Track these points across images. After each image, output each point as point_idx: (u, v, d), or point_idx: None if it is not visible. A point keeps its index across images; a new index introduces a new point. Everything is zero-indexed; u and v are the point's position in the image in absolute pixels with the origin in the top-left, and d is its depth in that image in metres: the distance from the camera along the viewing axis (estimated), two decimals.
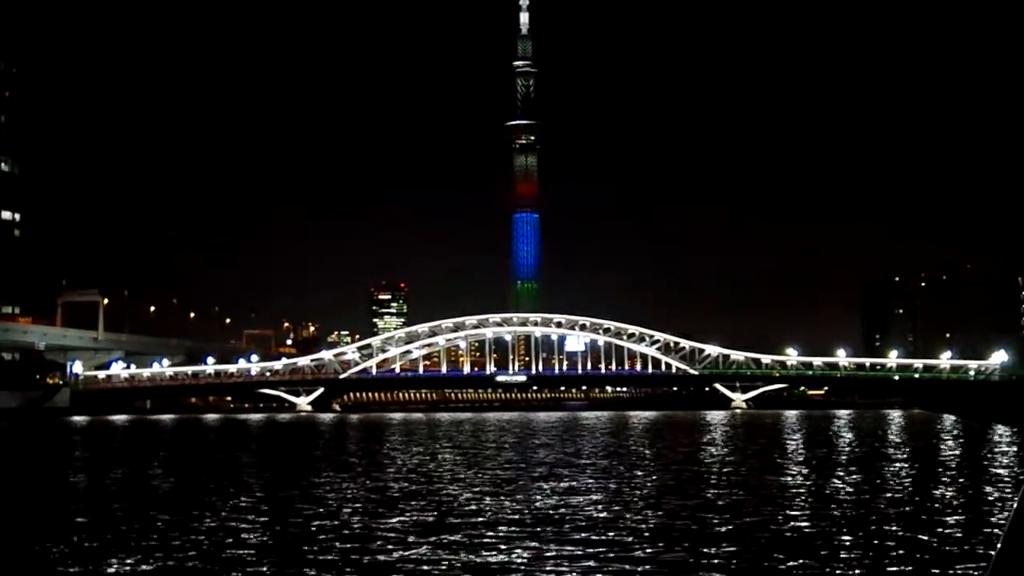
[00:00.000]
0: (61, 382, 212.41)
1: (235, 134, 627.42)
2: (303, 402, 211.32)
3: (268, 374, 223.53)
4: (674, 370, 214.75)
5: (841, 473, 59.83)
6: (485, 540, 33.29)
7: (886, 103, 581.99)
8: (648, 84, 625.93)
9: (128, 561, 30.17)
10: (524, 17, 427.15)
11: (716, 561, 29.60)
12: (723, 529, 35.93)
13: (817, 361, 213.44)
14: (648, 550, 31.26)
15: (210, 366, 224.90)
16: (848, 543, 32.77)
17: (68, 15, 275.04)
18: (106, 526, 37.73)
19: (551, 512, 40.36)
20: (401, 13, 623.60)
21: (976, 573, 27.31)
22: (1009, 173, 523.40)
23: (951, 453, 78.47)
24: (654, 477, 56.71)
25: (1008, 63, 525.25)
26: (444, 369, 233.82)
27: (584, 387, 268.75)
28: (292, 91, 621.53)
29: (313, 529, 36.65)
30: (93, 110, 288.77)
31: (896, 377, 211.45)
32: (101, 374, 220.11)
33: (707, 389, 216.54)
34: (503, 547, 31.99)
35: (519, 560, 29.95)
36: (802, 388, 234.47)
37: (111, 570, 28.88)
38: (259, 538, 34.65)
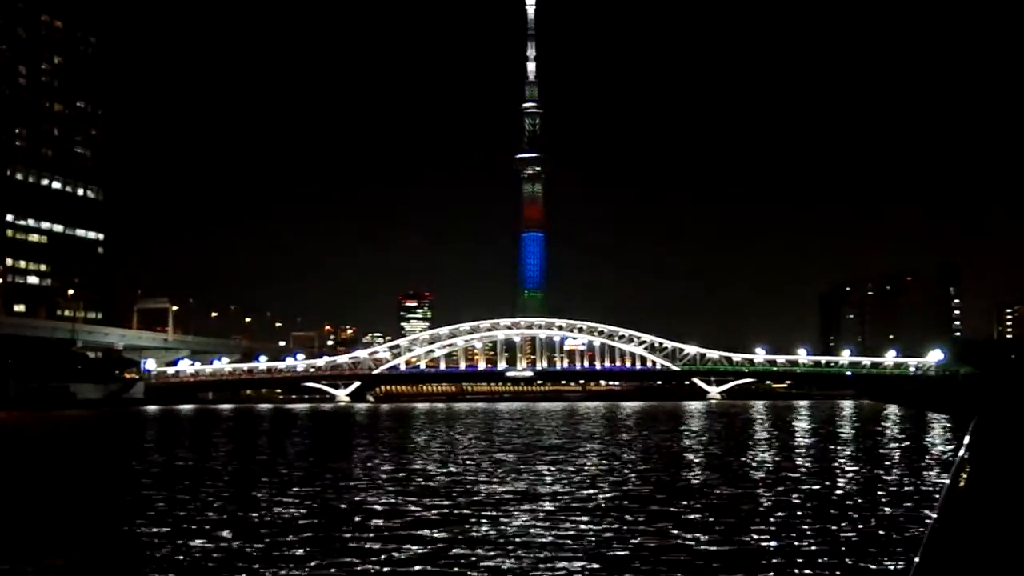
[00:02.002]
0: (137, 377, 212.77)
1: (287, 171, 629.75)
2: (342, 394, 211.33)
3: (312, 370, 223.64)
4: (658, 366, 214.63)
5: (799, 452, 59.79)
6: (492, 508, 33.38)
7: (836, 139, 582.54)
8: (636, 126, 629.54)
9: (191, 526, 30.40)
10: (531, 66, 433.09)
11: (689, 522, 29.70)
12: (696, 497, 35.99)
13: (780, 359, 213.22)
14: (634, 516, 31.36)
15: (263, 363, 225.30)
16: (800, 507, 32.80)
17: (142, 67, 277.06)
18: (175, 496, 37.98)
19: (551, 484, 40.44)
20: (430, 70, 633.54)
21: (914, 531, 27.32)
22: (943, 200, 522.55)
23: (893, 435, 78.35)
24: (641, 457, 56.71)
25: (948, 99, 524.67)
26: (462, 365, 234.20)
27: (582, 381, 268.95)
28: (345, 135, 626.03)
29: (349, 498, 36.79)
30: (162, 147, 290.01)
31: (848, 372, 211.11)
32: (170, 370, 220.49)
33: (686, 383, 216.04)
34: (508, 516, 32.06)
35: (521, 526, 30.03)
36: (768, 382, 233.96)
37: (180, 532, 29.10)
38: (302, 505, 34.81)
